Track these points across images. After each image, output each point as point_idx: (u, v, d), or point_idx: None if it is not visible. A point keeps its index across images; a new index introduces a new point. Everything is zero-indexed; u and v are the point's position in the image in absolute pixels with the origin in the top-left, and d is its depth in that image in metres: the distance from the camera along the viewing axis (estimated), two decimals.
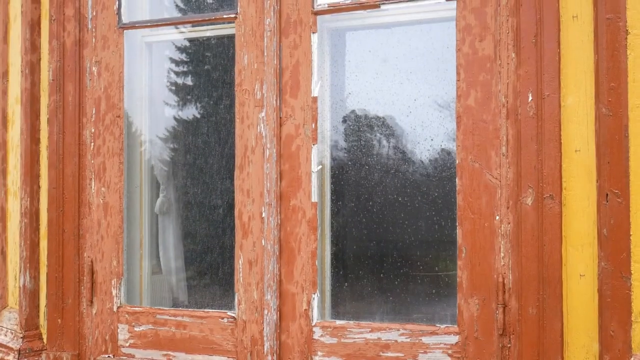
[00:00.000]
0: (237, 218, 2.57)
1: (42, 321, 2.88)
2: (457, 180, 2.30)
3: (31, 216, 2.87)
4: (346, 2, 2.47)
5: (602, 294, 2.07)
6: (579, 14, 2.15)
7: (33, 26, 2.90)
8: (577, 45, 2.15)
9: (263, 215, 2.51)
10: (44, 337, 2.87)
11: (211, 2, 3.08)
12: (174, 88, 3.21)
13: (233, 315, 2.56)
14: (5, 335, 2.92)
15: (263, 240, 2.51)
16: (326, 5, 2.49)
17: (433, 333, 2.31)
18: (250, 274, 2.54)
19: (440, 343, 2.29)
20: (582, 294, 2.13)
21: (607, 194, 2.06)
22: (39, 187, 2.90)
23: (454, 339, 2.28)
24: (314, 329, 2.46)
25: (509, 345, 2.21)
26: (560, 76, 2.15)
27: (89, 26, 2.84)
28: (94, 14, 2.83)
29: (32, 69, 2.88)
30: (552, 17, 2.15)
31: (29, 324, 2.86)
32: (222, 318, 2.58)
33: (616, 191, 2.04)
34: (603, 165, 2.07)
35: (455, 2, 2.32)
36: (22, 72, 2.89)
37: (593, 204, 2.12)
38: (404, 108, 2.62)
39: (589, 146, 2.12)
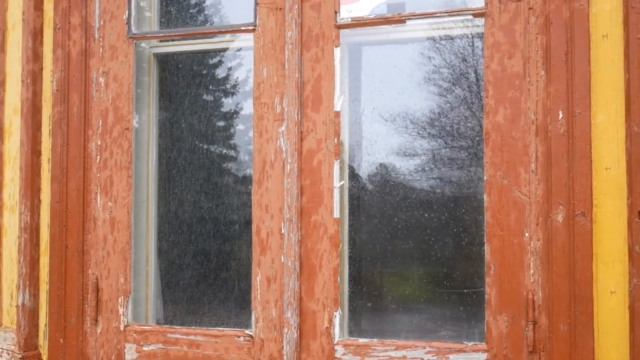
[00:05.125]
0: (254, 234, 2.52)
1: (42, 341, 2.77)
2: (485, 196, 2.29)
3: (31, 231, 2.76)
4: (370, 16, 2.45)
5: (633, 310, 2.08)
6: (609, 33, 2.17)
7: (35, 34, 2.80)
8: (607, 64, 2.17)
9: (283, 231, 2.46)
10: (44, 357, 2.75)
11: (219, 13, 3.03)
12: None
13: (250, 333, 2.50)
14: (1, 355, 2.80)
15: (283, 257, 2.46)
16: (350, 20, 2.46)
17: (461, 351, 2.29)
18: (269, 291, 2.48)
19: None
20: (613, 310, 2.14)
21: (639, 212, 2.08)
22: (39, 201, 2.79)
23: (482, 356, 2.27)
24: (336, 347, 2.41)
25: None
26: (591, 94, 2.16)
27: (96, 35, 2.76)
28: (102, 23, 2.75)
29: (33, 78, 2.78)
30: (582, 36, 2.17)
31: (28, 344, 2.74)
32: (239, 336, 2.52)
33: None
34: (635, 182, 2.09)
35: (483, 18, 2.32)
36: (23, 81, 2.78)
37: (623, 221, 2.13)
38: (428, 123, 2.61)
39: (619, 164, 2.14)
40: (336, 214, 2.44)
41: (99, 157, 2.73)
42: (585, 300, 2.13)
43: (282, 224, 2.47)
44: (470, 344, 2.29)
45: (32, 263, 2.76)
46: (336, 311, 2.42)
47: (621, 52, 2.16)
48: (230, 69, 3.04)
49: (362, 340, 2.40)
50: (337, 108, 2.46)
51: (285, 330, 2.44)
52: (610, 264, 2.14)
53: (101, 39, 2.75)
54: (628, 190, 2.12)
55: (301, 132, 2.48)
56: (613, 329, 2.13)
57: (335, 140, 2.45)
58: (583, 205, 2.14)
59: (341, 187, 2.49)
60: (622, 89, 2.15)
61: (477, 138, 2.55)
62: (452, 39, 2.57)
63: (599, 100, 2.17)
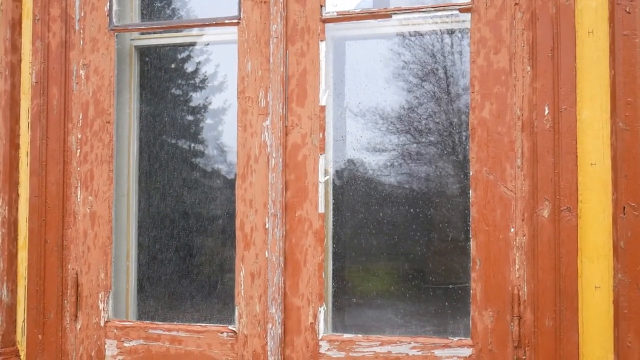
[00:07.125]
0: (238, 229, 2.49)
1: (20, 337, 2.72)
2: (471, 192, 2.29)
3: (9, 226, 2.71)
4: (356, 10, 2.44)
5: (618, 305, 2.09)
6: (595, 29, 2.18)
7: (14, 25, 2.74)
8: (593, 60, 2.18)
9: (267, 226, 2.44)
10: (22, 353, 2.70)
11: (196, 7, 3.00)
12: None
13: (233, 329, 2.48)
14: None
15: (267, 252, 2.44)
16: (335, 14, 2.45)
17: (446, 346, 2.29)
18: (253, 287, 2.46)
19: (454, 356, 2.27)
20: (597, 305, 2.15)
21: (624, 207, 2.09)
22: (17, 195, 2.74)
23: (467, 351, 2.27)
24: (321, 342, 2.40)
25: (524, 358, 2.20)
26: (576, 90, 2.17)
27: (76, 27, 2.71)
28: (82, 14, 2.71)
29: (12, 70, 2.73)
30: (568, 32, 2.17)
31: (6, 340, 2.69)
32: (222, 332, 2.49)
33: (633, 204, 2.08)
34: (620, 178, 2.10)
35: (470, 14, 2.32)
36: (1, 73, 2.72)
37: (608, 217, 2.15)
38: (412, 117, 2.61)
39: (604, 160, 2.15)
40: (321, 209, 2.42)
41: (79, 150, 2.68)
42: (570, 295, 2.14)
43: (267, 219, 2.45)
44: (455, 339, 2.29)
45: (10, 258, 2.71)
46: (321, 307, 2.41)
47: (606, 49, 2.17)
48: (199, 63, 3.01)
49: (346, 336, 2.38)
50: (323, 102, 2.44)
51: (270, 326, 2.42)
52: (595, 259, 2.15)
53: (82, 31, 2.71)
54: (613, 186, 2.13)
55: (286, 126, 2.46)
56: (597, 323, 2.15)
57: (321, 134, 2.43)
58: (568, 200, 2.15)
59: (326, 182, 2.47)
60: (608, 85, 2.16)
61: (465, 133, 2.55)
62: (435, 34, 2.57)
63: (585, 96, 2.18)
